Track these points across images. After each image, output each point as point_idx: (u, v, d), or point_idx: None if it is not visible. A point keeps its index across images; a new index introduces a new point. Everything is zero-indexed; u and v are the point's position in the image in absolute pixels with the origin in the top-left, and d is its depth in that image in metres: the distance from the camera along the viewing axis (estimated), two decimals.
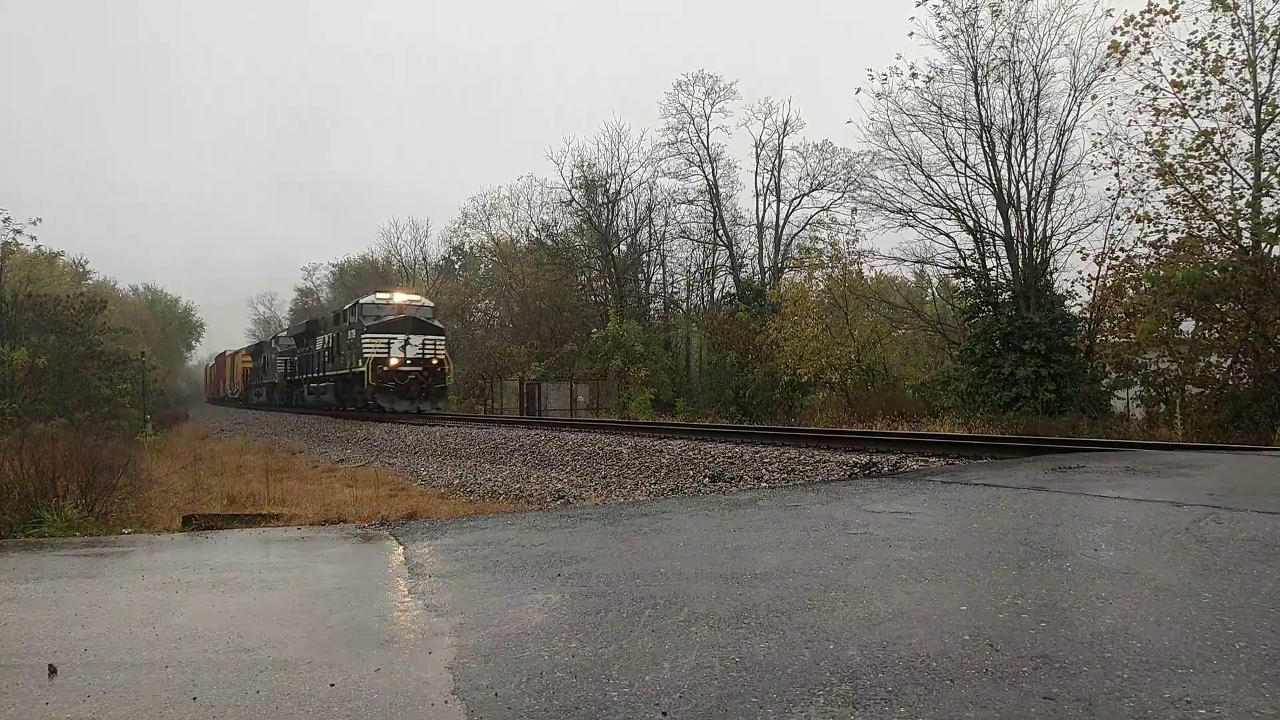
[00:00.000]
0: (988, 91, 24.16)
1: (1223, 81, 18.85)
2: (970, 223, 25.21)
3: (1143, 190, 20.50)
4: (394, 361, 26.81)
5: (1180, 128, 19.52)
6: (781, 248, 39.01)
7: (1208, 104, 19.07)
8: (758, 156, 39.24)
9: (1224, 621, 2.91)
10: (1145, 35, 19.90)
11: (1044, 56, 23.37)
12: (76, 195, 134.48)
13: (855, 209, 29.66)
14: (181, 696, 2.78)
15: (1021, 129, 23.76)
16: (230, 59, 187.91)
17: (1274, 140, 18.61)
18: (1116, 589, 3.38)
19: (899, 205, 26.23)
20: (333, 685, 2.81)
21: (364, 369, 27.05)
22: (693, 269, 44.41)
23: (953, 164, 25.10)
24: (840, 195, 36.58)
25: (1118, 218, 21.88)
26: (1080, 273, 24.03)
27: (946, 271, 28.38)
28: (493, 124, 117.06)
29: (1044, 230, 23.76)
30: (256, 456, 19.00)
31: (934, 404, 23.76)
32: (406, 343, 27.40)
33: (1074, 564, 3.80)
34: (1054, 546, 4.15)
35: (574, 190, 43.42)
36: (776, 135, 39.36)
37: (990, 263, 25.32)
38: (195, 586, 4.47)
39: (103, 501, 8.35)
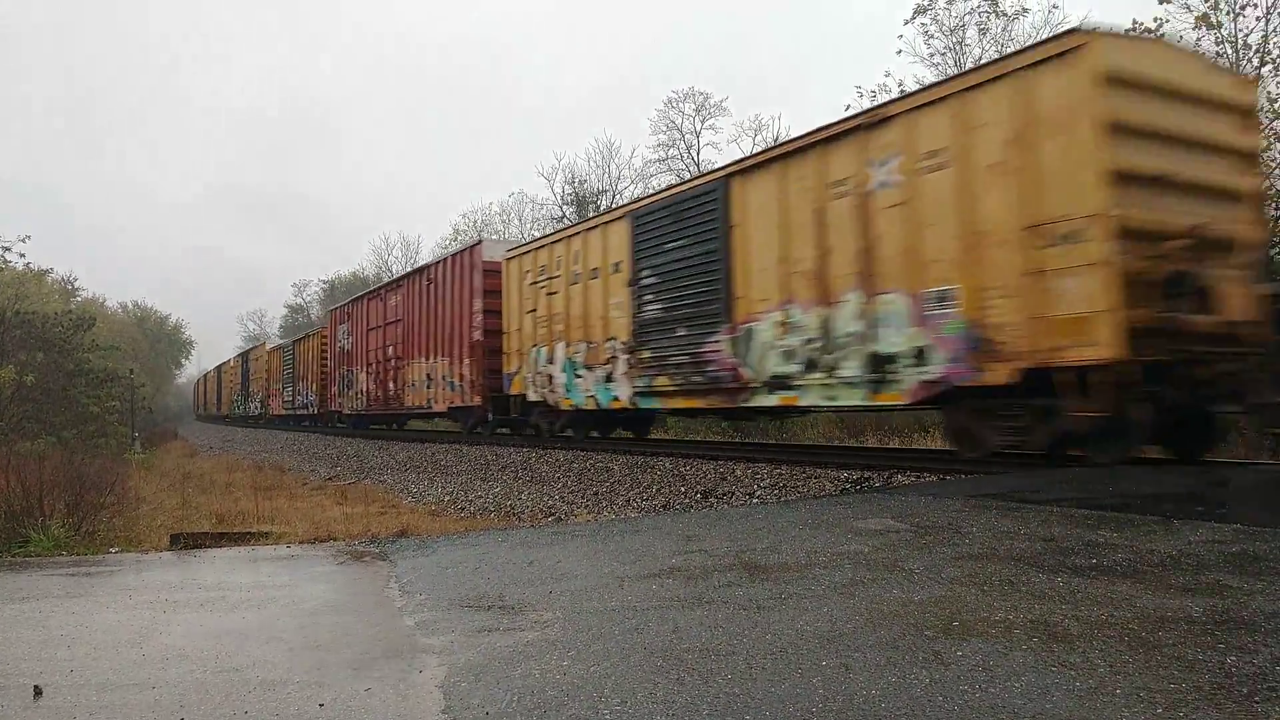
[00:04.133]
0: None
1: None
2: None
3: None
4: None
5: None
6: None
7: None
8: None
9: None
10: None
11: None
12: (49, 216, 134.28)
13: None
14: (169, 718, 2.76)
15: None
16: (210, 73, 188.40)
17: None
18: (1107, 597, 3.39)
19: None
20: (322, 705, 2.79)
21: None
22: None
23: None
24: None
25: None
26: None
27: None
28: (482, 140, 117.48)
29: None
30: (245, 474, 18.89)
31: (925, 419, 23.78)
32: None
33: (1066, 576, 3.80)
34: (1046, 560, 4.15)
35: (565, 206, 43.50)
36: None
37: None
38: (183, 606, 4.43)
39: (90, 520, 8.29)
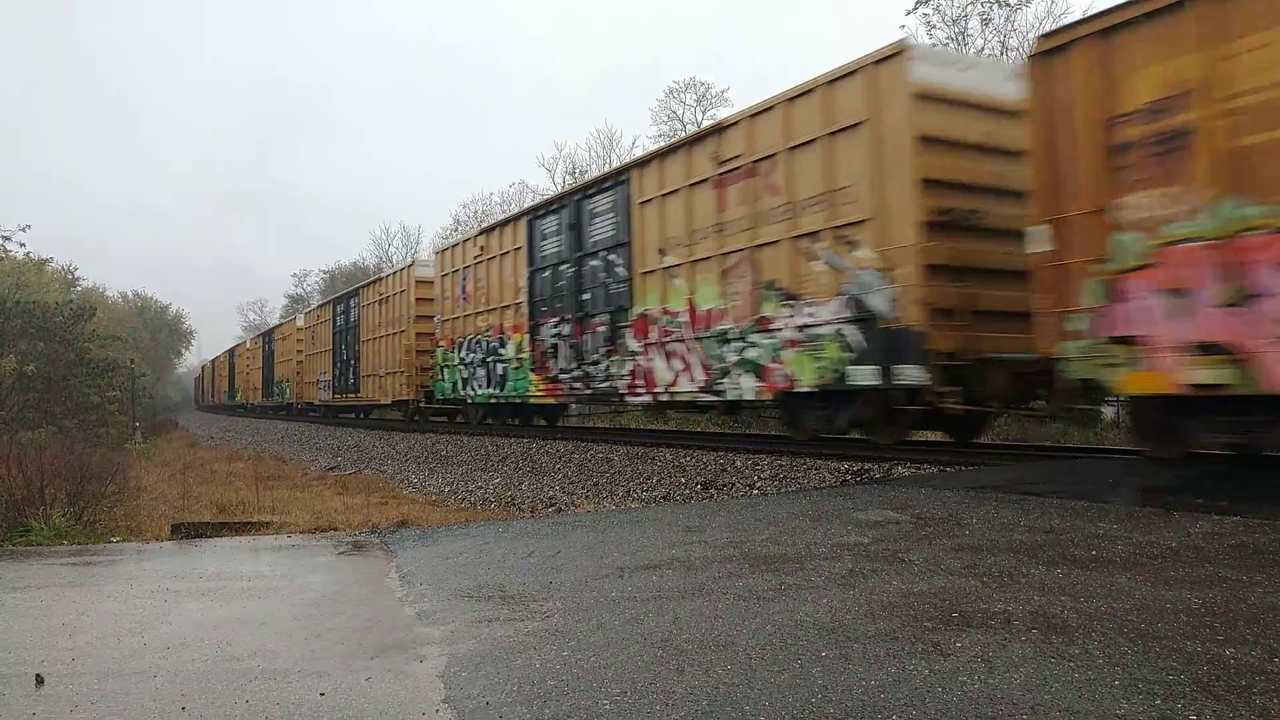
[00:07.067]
0: None
1: None
2: None
3: None
4: None
5: None
6: None
7: None
8: None
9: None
10: None
11: None
12: (46, 207, 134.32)
13: None
14: (170, 706, 2.77)
15: None
16: (201, 62, 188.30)
17: None
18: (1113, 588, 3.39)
19: None
20: (323, 694, 2.80)
21: None
22: None
23: None
24: None
25: None
26: None
27: None
28: (483, 130, 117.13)
29: None
30: (246, 464, 18.90)
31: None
32: None
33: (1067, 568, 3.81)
34: (1045, 551, 4.15)
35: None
36: None
37: None
38: (184, 595, 4.44)
39: (91, 510, 8.28)
